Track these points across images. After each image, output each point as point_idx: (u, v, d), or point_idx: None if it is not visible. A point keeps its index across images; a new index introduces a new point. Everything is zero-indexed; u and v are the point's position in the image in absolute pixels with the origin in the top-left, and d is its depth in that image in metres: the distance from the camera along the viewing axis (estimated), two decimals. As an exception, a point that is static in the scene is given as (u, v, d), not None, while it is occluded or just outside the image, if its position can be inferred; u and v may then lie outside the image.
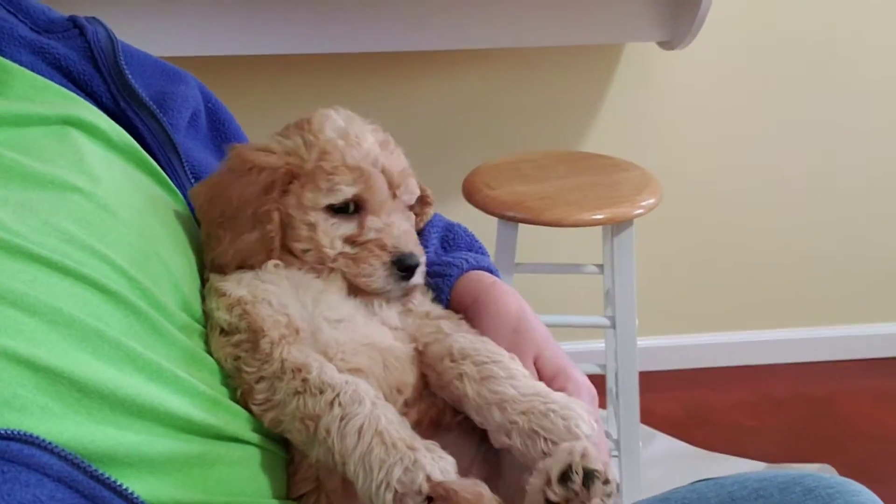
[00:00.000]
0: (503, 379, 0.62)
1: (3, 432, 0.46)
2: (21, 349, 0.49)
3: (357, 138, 0.71)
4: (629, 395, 1.60)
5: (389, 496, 0.53)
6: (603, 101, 2.02)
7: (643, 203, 1.49)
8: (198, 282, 0.70)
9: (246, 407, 0.63)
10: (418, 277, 0.71)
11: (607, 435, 1.85)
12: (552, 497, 0.55)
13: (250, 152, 0.72)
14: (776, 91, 2.08)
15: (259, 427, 0.63)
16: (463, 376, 0.63)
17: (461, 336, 0.67)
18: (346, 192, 0.70)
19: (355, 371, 0.63)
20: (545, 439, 0.58)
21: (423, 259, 0.72)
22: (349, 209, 0.71)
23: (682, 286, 2.21)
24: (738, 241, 2.20)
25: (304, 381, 0.60)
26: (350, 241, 0.70)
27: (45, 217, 0.57)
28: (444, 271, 0.77)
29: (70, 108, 0.68)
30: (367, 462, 0.55)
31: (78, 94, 0.73)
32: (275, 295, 0.67)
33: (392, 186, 0.72)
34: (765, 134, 2.11)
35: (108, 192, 0.63)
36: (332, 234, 0.70)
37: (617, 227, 1.52)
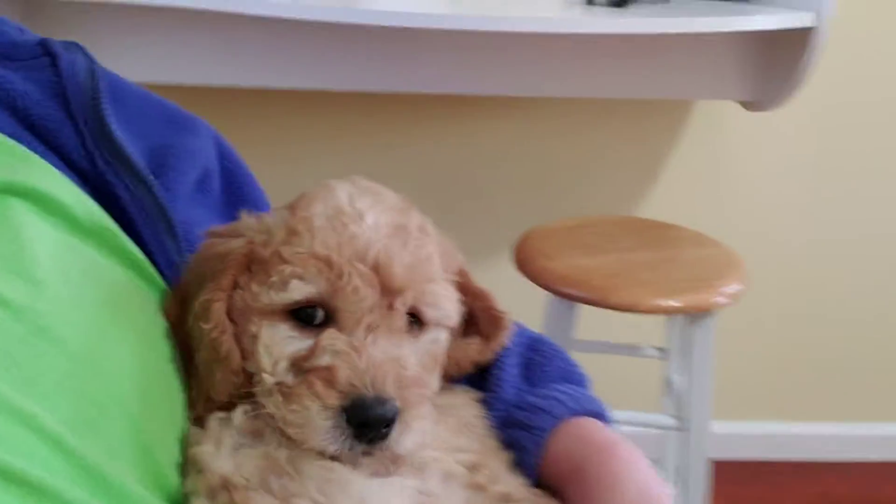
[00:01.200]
0: None
1: None
2: None
3: (350, 218, 0.51)
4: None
5: None
6: (669, 163, 1.82)
7: (727, 290, 1.30)
8: (186, 429, 0.50)
9: None
10: (403, 440, 0.48)
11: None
12: None
13: (217, 233, 0.54)
14: (881, 164, 1.86)
15: None
16: None
17: None
18: (302, 290, 0.49)
19: None
20: None
21: (414, 411, 0.48)
22: (315, 319, 0.50)
23: (757, 373, 1.97)
24: (830, 335, 1.96)
25: None
26: (296, 365, 0.49)
27: None
28: (530, 420, 0.55)
29: (17, 169, 0.49)
30: None
31: (35, 147, 0.54)
32: (275, 475, 0.46)
33: (388, 291, 0.50)
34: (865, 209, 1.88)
35: (53, 305, 0.45)
36: (278, 352, 0.49)
37: (694, 316, 1.30)
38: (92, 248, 0.51)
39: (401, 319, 0.50)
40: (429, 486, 0.48)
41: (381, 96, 1.65)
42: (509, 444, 0.55)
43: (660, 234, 1.46)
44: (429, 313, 0.52)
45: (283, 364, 0.49)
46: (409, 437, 0.48)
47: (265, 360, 0.49)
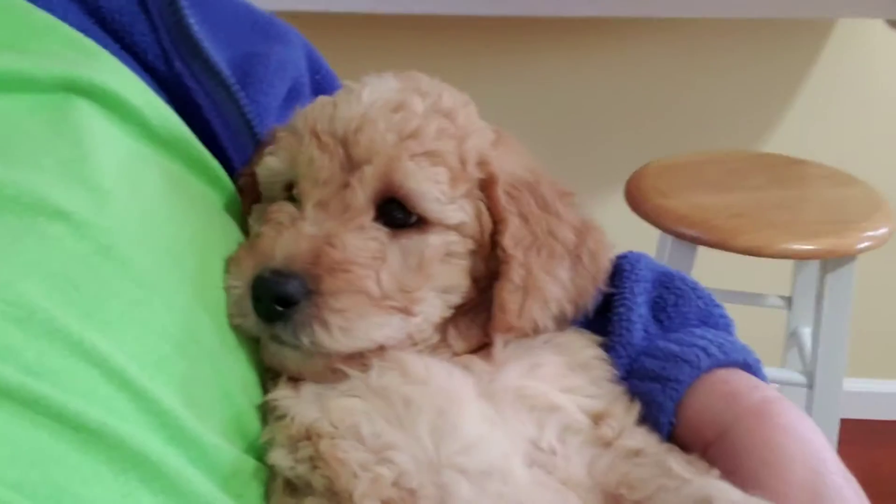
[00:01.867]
0: None
1: None
2: None
3: (347, 95, 0.47)
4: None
5: None
6: (804, 91, 1.66)
7: (871, 233, 1.17)
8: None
9: None
10: (316, 332, 0.41)
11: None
12: None
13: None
14: None
15: None
16: None
17: (720, 485, 0.39)
18: (270, 164, 0.47)
19: None
20: None
21: (334, 300, 0.41)
22: (293, 195, 0.46)
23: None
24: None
25: None
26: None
27: None
28: (664, 371, 0.46)
29: (82, 65, 0.43)
30: None
31: (106, 44, 0.48)
32: (367, 420, 0.41)
33: (351, 160, 0.44)
34: None
35: (120, 221, 0.39)
36: (256, 226, 0.47)
37: (831, 262, 1.18)
38: (165, 159, 0.46)
39: (358, 197, 0.44)
40: (545, 439, 0.42)
41: (490, 20, 1.57)
42: (636, 398, 0.47)
43: (792, 171, 1.34)
44: (413, 201, 0.44)
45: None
46: (323, 329, 0.41)
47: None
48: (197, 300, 0.41)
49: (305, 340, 0.41)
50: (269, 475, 0.42)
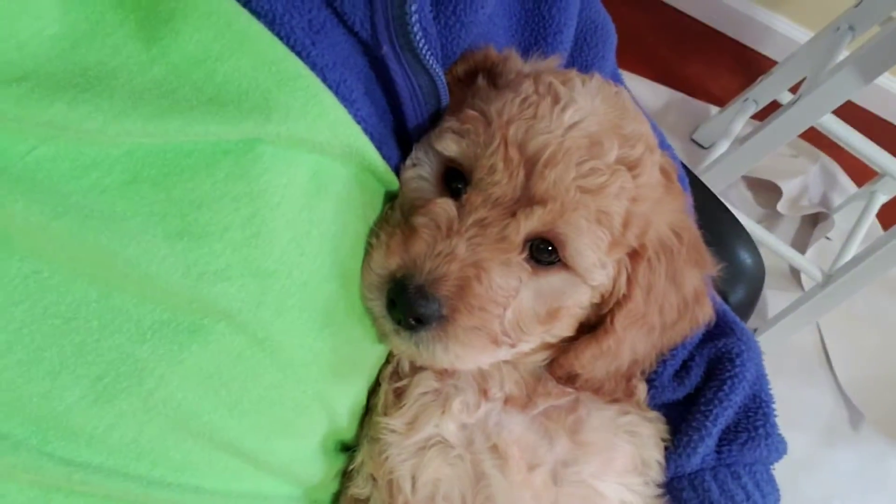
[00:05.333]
0: None
1: None
2: None
3: (552, 102, 0.43)
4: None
5: None
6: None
7: None
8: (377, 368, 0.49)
9: None
10: (437, 349, 0.42)
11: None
12: None
13: None
14: None
15: None
16: None
17: None
18: (452, 148, 0.44)
19: None
20: None
21: (461, 330, 0.42)
22: (458, 186, 0.45)
23: None
24: None
25: None
26: (411, 209, 0.45)
27: (151, 395, 0.36)
28: (690, 500, 0.51)
29: (271, 114, 0.38)
30: None
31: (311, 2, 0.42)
32: (447, 490, 0.44)
33: (526, 193, 0.42)
34: None
35: (276, 293, 0.39)
36: (407, 188, 0.46)
37: None
38: (343, 187, 0.43)
39: (518, 233, 0.42)
40: None
41: None
42: None
43: None
44: (565, 249, 0.43)
45: (405, 201, 0.45)
46: (442, 351, 0.42)
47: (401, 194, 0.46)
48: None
49: (423, 351, 0.43)
50: (343, 483, 0.48)
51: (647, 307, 0.45)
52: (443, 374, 0.47)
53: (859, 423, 1.54)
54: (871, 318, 1.68)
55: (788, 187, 1.68)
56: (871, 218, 1.57)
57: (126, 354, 0.34)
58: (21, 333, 0.32)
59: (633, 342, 0.46)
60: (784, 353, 1.57)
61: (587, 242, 0.43)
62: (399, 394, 0.46)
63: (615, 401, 0.49)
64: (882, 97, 2.01)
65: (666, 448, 0.51)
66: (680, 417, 0.52)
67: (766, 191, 1.72)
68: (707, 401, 0.51)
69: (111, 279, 0.34)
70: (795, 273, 1.66)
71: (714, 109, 1.83)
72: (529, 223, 0.42)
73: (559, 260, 0.44)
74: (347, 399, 0.45)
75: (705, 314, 0.49)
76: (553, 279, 0.44)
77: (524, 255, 0.43)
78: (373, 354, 0.47)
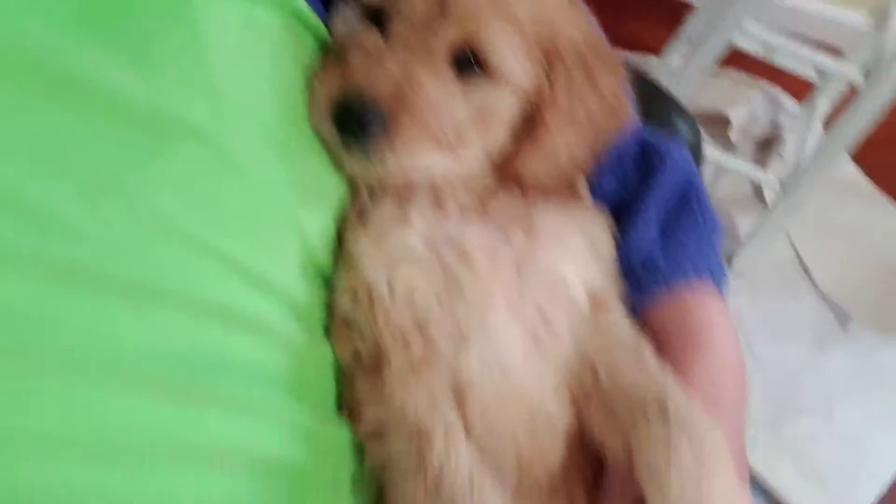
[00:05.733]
0: (720, 484, 0.44)
1: None
2: None
3: None
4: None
5: None
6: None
7: None
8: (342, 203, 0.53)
9: (349, 418, 0.50)
10: (386, 155, 0.47)
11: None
12: None
13: None
14: None
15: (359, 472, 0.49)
16: (674, 454, 0.44)
17: (674, 389, 0.47)
18: None
19: (491, 442, 0.48)
20: None
21: (406, 134, 0.46)
22: (384, 23, 0.49)
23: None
24: None
25: (421, 455, 0.45)
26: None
27: (132, 199, 0.39)
28: (644, 279, 0.55)
29: None
30: None
31: None
32: (422, 294, 0.49)
33: (444, 6, 0.47)
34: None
35: (230, 117, 0.43)
36: (336, 31, 0.51)
37: None
38: (270, 15, 0.47)
39: (441, 44, 0.48)
40: (550, 311, 0.50)
41: None
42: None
43: None
44: (485, 54, 0.48)
45: (336, 46, 0.50)
46: (392, 159, 0.47)
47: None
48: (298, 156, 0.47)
49: (374, 159, 0.47)
50: (331, 308, 0.51)
51: (571, 104, 0.50)
52: (400, 197, 0.52)
53: (847, 324, 1.60)
54: (839, 224, 1.75)
55: (736, 115, 1.76)
56: (818, 124, 1.65)
57: (105, 164, 0.38)
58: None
59: (566, 139, 0.51)
60: (763, 271, 1.62)
61: (504, 45, 0.48)
62: (364, 223, 0.51)
63: (562, 201, 0.54)
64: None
65: (616, 242, 0.56)
66: (621, 217, 0.57)
67: (716, 124, 1.80)
68: (642, 191, 0.57)
69: (81, 105, 0.37)
70: (759, 194, 1.73)
71: (655, 60, 1.91)
72: (449, 34, 0.47)
73: (483, 70, 0.49)
74: (316, 224, 0.49)
75: (627, 113, 0.54)
76: (479, 87, 0.49)
77: (450, 67, 0.48)
78: (333, 183, 0.51)
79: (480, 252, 0.50)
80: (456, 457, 0.45)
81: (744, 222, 1.67)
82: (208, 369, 0.40)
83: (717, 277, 0.55)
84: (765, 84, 1.85)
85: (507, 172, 0.53)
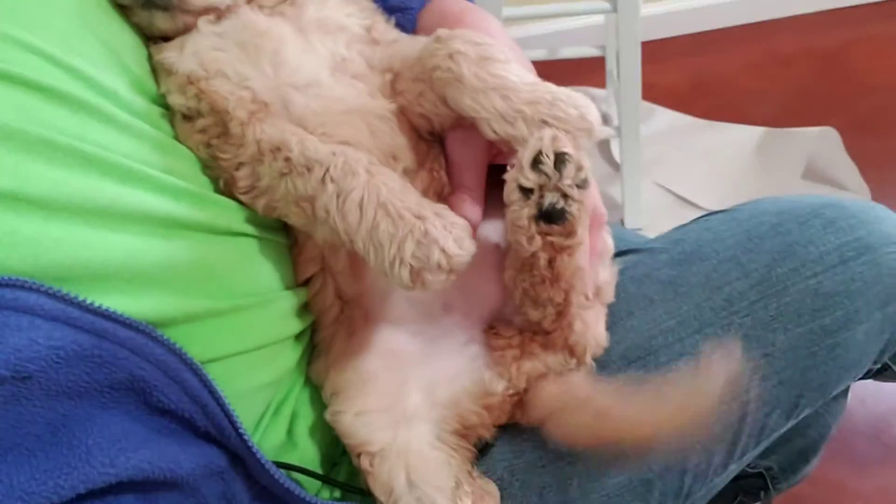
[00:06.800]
0: (502, 63, 0.54)
1: None
2: None
3: None
4: (630, 75, 1.53)
5: (405, 273, 0.49)
6: None
7: None
8: (146, 54, 0.58)
9: (232, 197, 0.55)
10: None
11: (606, 118, 1.80)
12: (525, 183, 0.52)
13: None
14: None
15: (252, 217, 0.56)
16: (456, 56, 0.54)
17: (449, 31, 0.57)
18: None
19: (342, 144, 0.55)
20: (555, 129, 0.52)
21: None
22: None
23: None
24: None
25: (287, 160, 0.52)
26: None
27: None
28: (404, 3, 0.66)
29: None
30: (375, 238, 0.50)
31: None
32: (229, 63, 0.56)
33: None
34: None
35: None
36: None
37: None
38: None
39: None
40: (339, 50, 0.59)
41: None
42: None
43: None
44: None
45: None
46: None
47: None
48: None
49: (157, 19, 0.55)
50: (171, 113, 0.56)
51: None
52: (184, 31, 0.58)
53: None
54: (695, 154, 1.86)
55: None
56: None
57: None
58: None
59: None
60: (656, 221, 1.68)
61: None
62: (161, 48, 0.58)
63: None
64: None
65: None
66: None
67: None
68: None
69: None
70: (613, 164, 1.82)
71: None
72: None
73: None
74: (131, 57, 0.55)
75: None
76: None
77: None
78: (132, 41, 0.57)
79: (263, 23, 0.58)
80: (314, 145, 0.52)
81: (613, 193, 1.75)
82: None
83: None
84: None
85: None
